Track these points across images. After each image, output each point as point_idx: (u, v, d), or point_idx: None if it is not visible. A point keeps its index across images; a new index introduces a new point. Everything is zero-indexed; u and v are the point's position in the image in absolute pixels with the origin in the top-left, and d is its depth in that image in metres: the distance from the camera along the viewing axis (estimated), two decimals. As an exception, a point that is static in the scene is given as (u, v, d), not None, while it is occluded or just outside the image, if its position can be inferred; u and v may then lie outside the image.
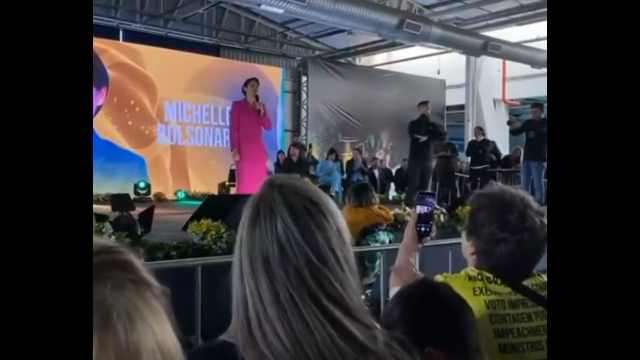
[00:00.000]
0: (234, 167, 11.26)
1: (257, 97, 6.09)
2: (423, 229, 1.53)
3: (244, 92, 6.22)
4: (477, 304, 1.30)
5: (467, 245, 1.42)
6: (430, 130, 7.84)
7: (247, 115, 6.05)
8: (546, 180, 7.13)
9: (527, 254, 1.34)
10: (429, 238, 1.55)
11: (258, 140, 6.19)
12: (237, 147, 6.06)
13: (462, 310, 1.13)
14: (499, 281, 1.34)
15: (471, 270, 1.39)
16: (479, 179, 9.82)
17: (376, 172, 12.17)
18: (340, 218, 0.84)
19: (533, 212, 1.34)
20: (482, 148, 10.17)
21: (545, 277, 1.36)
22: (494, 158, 10.58)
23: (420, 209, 1.54)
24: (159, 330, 0.55)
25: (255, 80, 6.31)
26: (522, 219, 1.32)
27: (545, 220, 1.32)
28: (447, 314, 1.10)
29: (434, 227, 1.56)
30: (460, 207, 5.85)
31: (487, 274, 1.35)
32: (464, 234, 1.45)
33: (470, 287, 1.33)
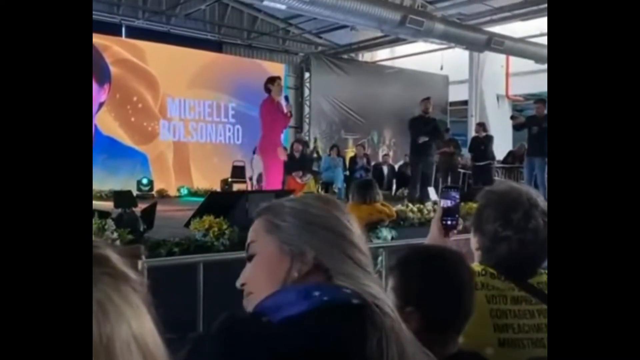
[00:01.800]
0: (237, 164, 11.32)
1: (287, 98, 6.35)
2: (449, 222, 1.53)
3: (269, 90, 6.30)
4: (478, 298, 1.31)
5: (473, 241, 1.43)
6: (430, 131, 7.78)
7: (274, 114, 6.21)
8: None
9: (529, 253, 1.34)
10: (455, 231, 1.55)
11: (279, 139, 6.45)
12: (269, 147, 6.23)
13: (457, 280, 1.13)
14: (502, 278, 1.34)
15: (476, 265, 1.40)
16: (481, 175, 9.81)
17: (385, 169, 12.14)
18: None
19: (538, 212, 1.33)
20: (484, 144, 10.16)
21: None
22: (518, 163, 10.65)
23: (444, 203, 1.54)
24: (135, 322, 0.56)
25: (279, 78, 6.53)
26: (526, 219, 1.32)
27: None
28: (439, 280, 1.12)
29: (460, 220, 1.55)
30: (462, 203, 5.83)
31: (491, 270, 1.36)
32: (471, 230, 1.46)
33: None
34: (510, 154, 11.99)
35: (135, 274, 0.60)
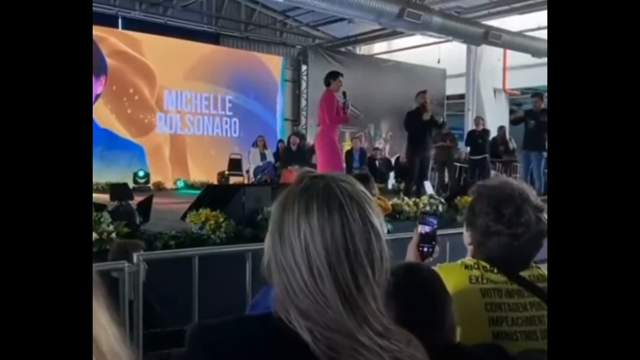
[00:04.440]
0: (233, 157, 11.30)
1: (344, 94, 6.28)
2: (425, 249, 1.52)
3: (329, 84, 6.25)
4: (473, 292, 1.32)
5: (466, 235, 1.44)
6: (428, 122, 7.76)
7: (332, 108, 6.16)
8: (546, 170, 7.12)
9: (520, 247, 1.34)
10: (431, 258, 1.54)
11: (336, 134, 6.43)
12: (325, 141, 6.20)
13: (439, 291, 1.16)
14: (495, 270, 1.35)
15: (468, 259, 1.41)
16: (477, 169, 9.82)
17: (377, 163, 12.14)
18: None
19: (530, 207, 1.34)
20: (481, 138, 10.15)
21: (543, 269, 1.37)
22: (502, 149, 10.58)
23: (422, 229, 1.52)
24: None
25: (341, 74, 6.39)
26: (517, 214, 1.33)
27: (543, 216, 1.33)
28: (425, 294, 1.13)
29: (436, 248, 1.54)
30: (459, 197, 5.85)
31: (484, 264, 1.36)
32: (464, 224, 1.46)
33: (467, 275, 1.35)
34: (493, 140, 11.62)
35: None
